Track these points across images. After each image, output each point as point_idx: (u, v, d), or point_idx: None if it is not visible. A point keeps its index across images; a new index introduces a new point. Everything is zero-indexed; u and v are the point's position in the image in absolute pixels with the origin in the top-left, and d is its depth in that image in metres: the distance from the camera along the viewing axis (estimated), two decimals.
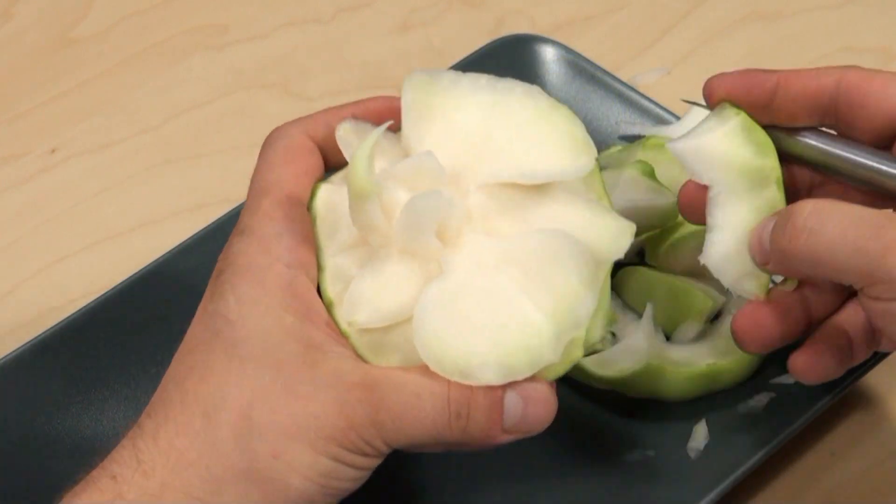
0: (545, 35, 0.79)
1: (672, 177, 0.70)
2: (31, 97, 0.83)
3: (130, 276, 0.69)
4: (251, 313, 0.51)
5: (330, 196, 0.56)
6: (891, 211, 0.50)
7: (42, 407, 0.65)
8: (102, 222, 0.77)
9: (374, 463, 0.51)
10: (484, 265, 0.52)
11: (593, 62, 0.78)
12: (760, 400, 0.65)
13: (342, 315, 0.53)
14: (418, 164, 0.53)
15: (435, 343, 0.51)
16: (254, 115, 0.82)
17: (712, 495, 0.61)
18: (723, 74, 0.56)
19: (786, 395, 0.65)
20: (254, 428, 0.49)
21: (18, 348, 0.67)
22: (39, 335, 0.67)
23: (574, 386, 0.65)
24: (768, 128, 0.57)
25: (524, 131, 0.55)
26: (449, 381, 0.50)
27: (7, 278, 0.74)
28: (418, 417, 0.50)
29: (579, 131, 0.55)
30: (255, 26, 0.87)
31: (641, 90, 0.77)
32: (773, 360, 0.66)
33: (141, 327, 0.67)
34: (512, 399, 0.51)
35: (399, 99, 0.55)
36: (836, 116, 0.55)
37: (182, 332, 0.68)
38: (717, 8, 0.86)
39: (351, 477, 0.51)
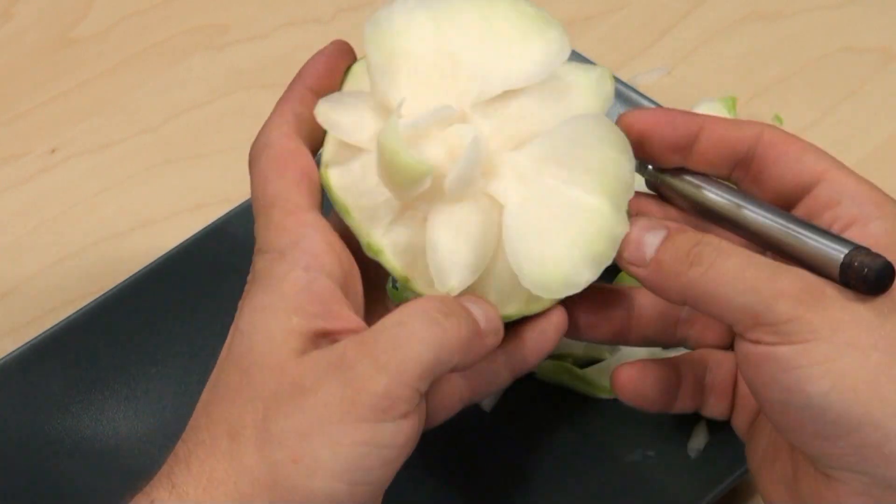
0: None
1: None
2: (31, 97, 0.83)
3: (130, 276, 0.69)
4: (259, 320, 0.51)
5: (343, 181, 0.55)
6: (789, 265, 0.51)
7: (42, 407, 0.65)
8: (102, 222, 0.77)
9: (400, 430, 0.49)
10: (526, 178, 0.53)
11: (593, 62, 0.78)
12: None
13: (434, 286, 0.53)
14: (436, 116, 0.53)
15: (536, 272, 0.52)
16: (254, 115, 0.82)
17: (712, 495, 0.61)
18: (640, 111, 0.56)
19: None
20: (272, 438, 0.49)
21: (18, 348, 0.67)
22: (39, 335, 0.67)
23: (577, 395, 0.65)
24: (677, 170, 0.56)
25: (481, 37, 0.55)
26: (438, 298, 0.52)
27: (7, 278, 0.74)
28: (411, 342, 0.50)
29: (529, 8, 0.56)
30: (255, 26, 0.87)
31: (641, 90, 0.77)
32: None
33: (141, 327, 0.67)
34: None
35: (324, 51, 0.57)
36: (746, 170, 0.55)
37: (183, 332, 0.68)
38: (717, 8, 0.86)
39: (378, 462, 0.49)
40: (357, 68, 0.56)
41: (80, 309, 0.68)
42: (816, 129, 0.79)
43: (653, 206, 0.57)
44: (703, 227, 0.55)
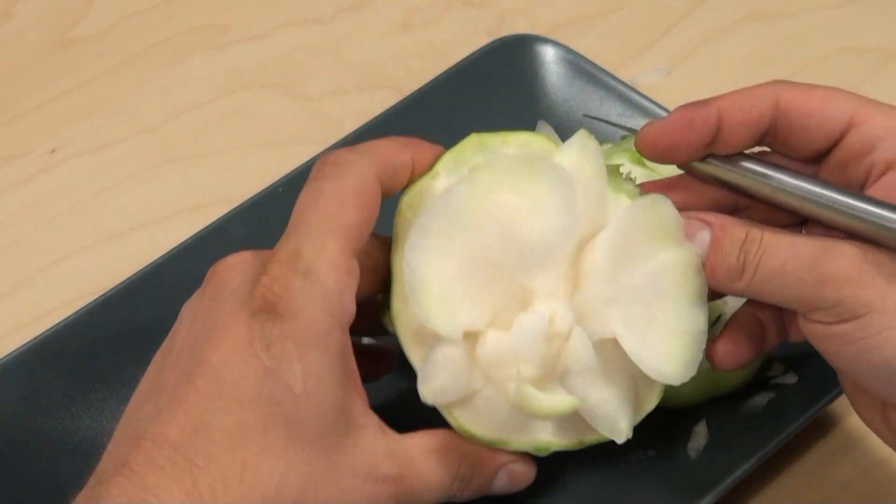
0: (545, 35, 0.79)
1: (672, 171, 0.70)
2: (31, 97, 0.83)
3: (130, 276, 0.69)
4: (316, 390, 0.50)
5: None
6: (827, 240, 0.53)
7: (42, 407, 0.65)
8: (102, 222, 0.77)
9: None
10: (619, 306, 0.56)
11: (593, 62, 0.78)
12: (760, 400, 0.65)
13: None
14: (532, 336, 0.54)
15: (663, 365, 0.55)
16: (254, 115, 0.82)
17: (712, 495, 0.61)
18: (656, 125, 0.55)
19: (786, 395, 0.65)
20: None
21: (18, 348, 0.67)
22: (39, 335, 0.67)
23: None
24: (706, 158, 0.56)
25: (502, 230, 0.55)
26: (460, 459, 0.55)
27: (7, 278, 0.74)
28: (434, 488, 0.55)
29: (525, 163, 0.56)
30: (255, 26, 0.87)
31: (641, 90, 0.77)
32: (774, 360, 0.66)
33: (141, 327, 0.67)
34: (501, 477, 0.57)
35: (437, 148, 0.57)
36: (773, 137, 0.55)
37: None
38: (717, 8, 0.86)
39: None
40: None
41: (80, 309, 0.68)
42: None
43: (692, 186, 0.57)
44: (742, 203, 0.57)
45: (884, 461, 0.65)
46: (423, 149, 0.57)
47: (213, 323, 0.52)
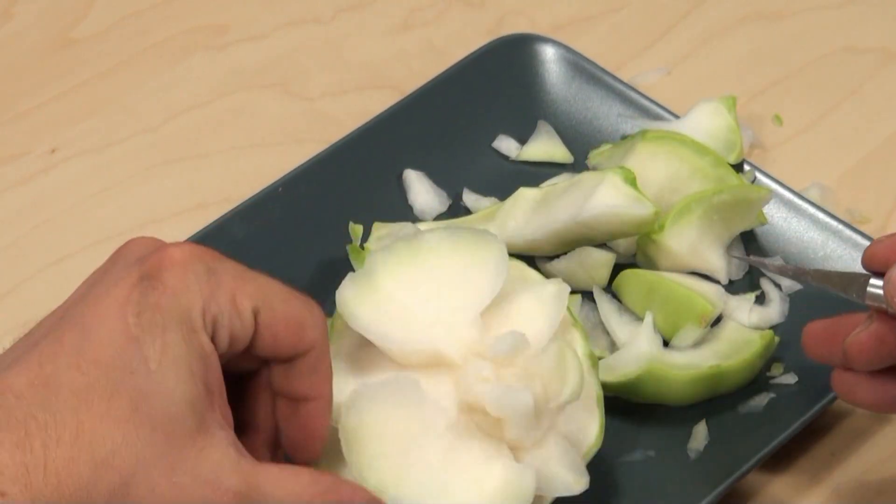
0: (545, 35, 0.79)
1: (672, 170, 0.70)
2: (31, 97, 0.83)
3: None
4: (170, 372, 0.49)
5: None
6: None
7: None
8: (102, 222, 0.77)
9: None
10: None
11: (593, 61, 0.78)
12: (760, 400, 0.65)
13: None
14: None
15: None
16: (254, 115, 0.82)
17: (712, 495, 0.61)
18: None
19: (786, 396, 0.65)
20: (129, 499, 0.48)
21: None
22: None
23: None
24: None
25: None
26: (318, 489, 0.52)
27: (7, 278, 0.74)
28: None
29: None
30: (255, 26, 0.87)
31: (641, 90, 0.77)
32: (774, 360, 0.66)
33: None
34: None
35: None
36: None
37: None
38: (717, 8, 0.86)
39: None
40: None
41: None
42: (816, 129, 0.79)
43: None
44: None
45: (884, 461, 0.65)
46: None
47: (99, 284, 0.51)
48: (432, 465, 0.55)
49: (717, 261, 0.69)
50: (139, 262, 0.51)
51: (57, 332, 0.50)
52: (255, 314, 0.52)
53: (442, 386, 0.57)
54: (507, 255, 0.59)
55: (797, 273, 0.63)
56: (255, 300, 0.52)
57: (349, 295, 0.58)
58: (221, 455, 0.50)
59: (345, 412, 0.56)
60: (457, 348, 0.57)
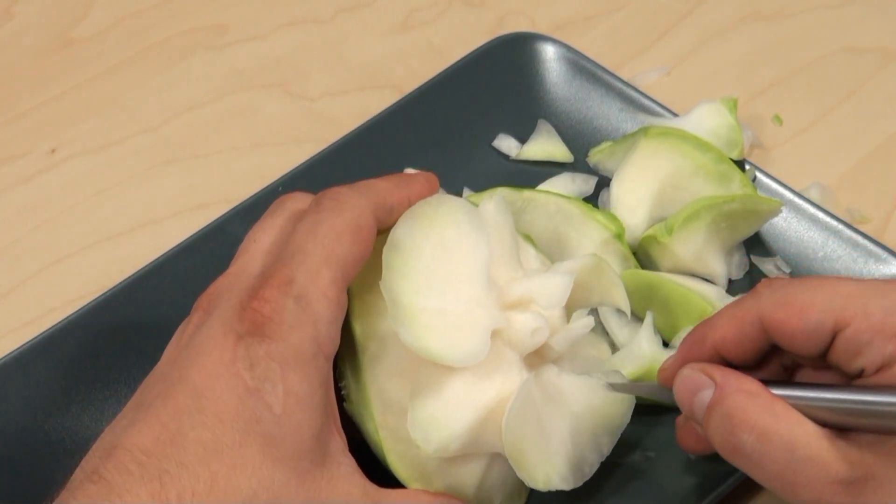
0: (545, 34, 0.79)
1: (675, 166, 0.70)
2: (31, 97, 0.83)
3: (130, 276, 0.69)
4: (296, 412, 0.50)
5: (364, 328, 0.57)
6: (827, 436, 0.51)
7: (42, 407, 0.65)
8: (102, 222, 0.77)
9: None
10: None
11: (594, 60, 0.78)
12: None
13: (406, 433, 0.55)
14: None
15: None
16: (254, 115, 0.82)
17: (712, 495, 0.61)
18: (672, 392, 0.56)
19: None
20: None
21: (18, 348, 0.67)
22: (39, 335, 0.67)
23: None
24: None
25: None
26: None
27: (7, 278, 0.74)
28: None
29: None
30: (255, 26, 0.87)
31: (641, 90, 0.77)
32: None
33: (141, 327, 0.67)
34: None
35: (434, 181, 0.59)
36: (777, 350, 0.55)
37: None
38: (717, 8, 0.86)
39: None
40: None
41: (80, 309, 0.68)
42: (816, 129, 0.79)
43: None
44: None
45: None
46: (418, 186, 0.58)
47: (198, 345, 0.52)
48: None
49: (718, 266, 0.69)
50: (237, 316, 0.52)
51: (169, 394, 0.50)
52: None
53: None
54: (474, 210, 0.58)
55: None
56: (343, 287, 0.54)
57: None
58: (349, 483, 0.52)
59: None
60: (497, 320, 0.56)
